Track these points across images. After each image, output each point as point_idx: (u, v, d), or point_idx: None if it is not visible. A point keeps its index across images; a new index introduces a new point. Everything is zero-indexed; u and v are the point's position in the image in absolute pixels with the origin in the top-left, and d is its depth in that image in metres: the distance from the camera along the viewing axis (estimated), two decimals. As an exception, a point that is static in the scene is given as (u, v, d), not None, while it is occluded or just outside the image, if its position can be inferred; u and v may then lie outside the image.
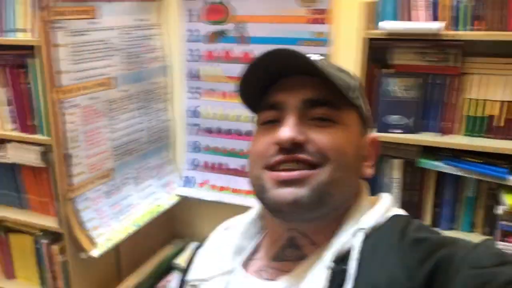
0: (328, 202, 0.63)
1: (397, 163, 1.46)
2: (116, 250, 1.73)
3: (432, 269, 0.54)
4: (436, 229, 0.66)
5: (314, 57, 0.65)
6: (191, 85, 1.84)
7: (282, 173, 0.62)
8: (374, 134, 0.73)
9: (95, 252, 1.52)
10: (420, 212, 1.47)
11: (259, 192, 0.65)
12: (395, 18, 1.36)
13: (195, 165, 1.91)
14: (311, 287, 0.60)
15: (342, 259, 0.60)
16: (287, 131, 0.61)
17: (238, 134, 1.81)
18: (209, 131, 1.86)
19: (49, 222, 1.57)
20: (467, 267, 0.52)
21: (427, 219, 1.46)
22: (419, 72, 1.37)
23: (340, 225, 0.64)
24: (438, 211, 1.46)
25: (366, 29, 1.34)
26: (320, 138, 0.63)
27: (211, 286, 0.70)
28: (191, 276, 0.74)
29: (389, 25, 1.31)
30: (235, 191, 1.84)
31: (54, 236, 1.60)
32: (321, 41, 1.57)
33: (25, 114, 1.50)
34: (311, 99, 0.64)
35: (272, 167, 0.63)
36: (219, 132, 1.84)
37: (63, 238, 1.54)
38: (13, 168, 1.62)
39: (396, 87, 1.39)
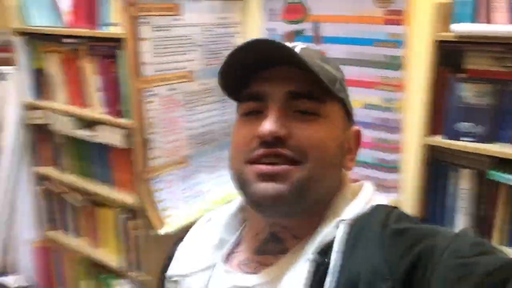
0: (308, 197, 0.63)
1: (465, 173, 1.38)
2: (186, 232, 1.85)
3: (413, 262, 0.54)
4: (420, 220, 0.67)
5: (298, 46, 0.65)
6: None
7: (263, 166, 0.61)
8: (356, 127, 0.72)
9: (164, 231, 1.65)
10: (488, 227, 1.37)
11: (241, 185, 0.65)
12: (472, 20, 1.29)
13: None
14: (293, 280, 0.60)
15: (324, 251, 0.60)
16: (269, 125, 0.61)
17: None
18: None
19: (129, 199, 1.73)
20: (447, 258, 0.52)
21: (496, 236, 1.36)
22: (494, 78, 1.29)
23: (322, 218, 0.64)
24: (509, 228, 1.35)
25: (438, 31, 1.29)
26: (302, 133, 0.62)
27: (193, 281, 0.69)
28: (172, 271, 0.73)
29: (462, 28, 1.25)
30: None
31: (132, 213, 1.76)
32: (395, 42, 1.54)
33: (114, 99, 1.68)
34: (294, 92, 0.63)
35: (253, 161, 0.62)
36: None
37: (138, 215, 1.70)
38: (105, 148, 1.81)
39: (468, 92, 1.32)
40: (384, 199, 0.69)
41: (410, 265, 0.54)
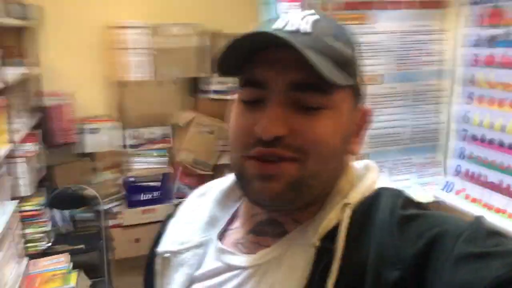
0: (308, 193, 0.59)
1: None
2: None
3: (424, 249, 0.52)
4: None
5: (308, 18, 0.59)
6: (465, 90, 1.83)
7: (260, 165, 0.58)
8: (366, 106, 0.65)
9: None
10: None
11: (239, 179, 0.63)
12: None
13: (457, 172, 1.89)
14: (295, 265, 0.58)
15: (327, 236, 0.57)
16: (267, 124, 0.56)
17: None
18: (475, 139, 1.80)
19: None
20: (463, 246, 0.50)
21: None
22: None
23: (325, 202, 0.62)
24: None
25: None
26: (304, 130, 0.57)
27: (185, 258, 0.66)
28: (162, 247, 0.69)
29: None
30: (485, 206, 1.73)
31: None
32: None
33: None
34: (298, 83, 0.57)
35: (251, 157, 0.59)
36: (491, 143, 1.75)
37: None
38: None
39: None
40: (388, 181, 0.68)
41: (421, 253, 0.52)
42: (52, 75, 3.11)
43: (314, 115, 0.58)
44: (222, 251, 0.65)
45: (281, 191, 0.57)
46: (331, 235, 0.57)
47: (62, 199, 2.92)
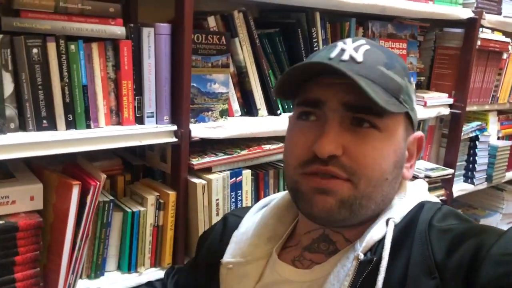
0: (359, 213, 0.62)
1: None
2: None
3: (460, 259, 0.54)
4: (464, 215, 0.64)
5: (361, 48, 0.63)
6: None
7: (316, 179, 0.61)
8: (419, 133, 0.69)
9: None
10: None
11: (294, 195, 0.66)
12: None
13: None
14: (340, 277, 0.61)
15: (370, 249, 0.61)
16: (326, 144, 0.59)
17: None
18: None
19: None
20: (495, 254, 0.52)
21: None
22: None
23: (376, 220, 0.64)
24: None
25: None
26: (357, 151, 0.60)
27: (248, 270, 0.71)
28: (227, 258, 0.73)
29: None
30: None
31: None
32: None
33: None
34: (352, 104, 0.60)
35: (308, 173, 0.62)
36: None
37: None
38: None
39: None
40: (433, 196, 0.68)
41: (458, 262, 0.54)
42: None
43: (367, 135, 0.61)
44: (281, 267, 0.69)
45: (335, 207, 0.61)
46: (374, 247, 0.61)
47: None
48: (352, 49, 0.63)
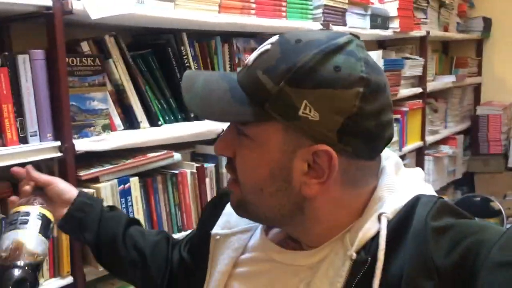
0: (257, 215, 0.66)
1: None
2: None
3: (459, 259, 0.53)
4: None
5: (261, 50, 0.61)
6: None
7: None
8: (323, 146, 0.58)
9: None
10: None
11: None
12: None
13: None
14: (332, 275, 0.59)
15: (364, 247, 0.59)
16: (216, 144, 0.65)
17: None
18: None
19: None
20: (496, 255, 0.51)
21: None
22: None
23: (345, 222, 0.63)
24: None
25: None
26: (237, 157, 0.63)
27: (233, 241, 0.73)
28: (215, 229, 0.76)
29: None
30: None
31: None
32: None
33: None
34: None
35: None
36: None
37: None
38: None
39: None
40: (429, 188, 0.66)
41: (456, 263, 0.53)
42: (492, 85, 3.09)
43: (241, 142, 0.62)
44: (267, 244, 0.69)
45: (235, 205, 0.67)
46: (367, 246, 0.58)
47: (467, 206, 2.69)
48: (257, 51, 0.62)
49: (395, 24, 2.42)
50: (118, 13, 1.17)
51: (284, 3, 1.78)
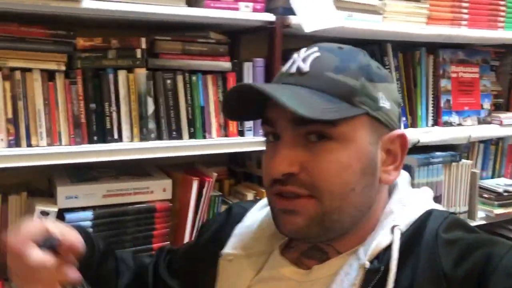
0: (334, 227, 0.61)
1: None
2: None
3: (469, 270, 0.54)
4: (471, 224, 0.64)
5: (311, 56, 0.61)
6: None
7: (281, 201, 0.62)
8: (397, 131, 0.65)
9: None
10: None
11: (271, 213, 0.66)
12: None
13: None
14: (344, 286, 0.60)
15: (376, 257, 0.60)
16: (277, 164, 0.59)
17: None
18: None
19: None
20: (507, 267, 0.52)
21: None
22: None
23: (372, 229, 0.64)
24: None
25: None
26: (314, 166, 0.59)
27: (246, 263, 0.70)
28: (227, 249, 0.73)
29: None
30: None
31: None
32: None
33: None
34: (298, 118, 0.57)
35: (273, 194, 0.63)
36: None
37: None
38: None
39: None
40: (439, 205, 0.68)
41: (467, 273, 0.54)
42: None
43: (322, 147, 0.59)
44: (281, 263, 0.69)
45: (304, 226, 0.60)
46: (380, 256, 0.60)
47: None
48: (300, 60, 0.62)
49: None
50: (330, 27, 1.29)
51: (502, 13, 1.69)
